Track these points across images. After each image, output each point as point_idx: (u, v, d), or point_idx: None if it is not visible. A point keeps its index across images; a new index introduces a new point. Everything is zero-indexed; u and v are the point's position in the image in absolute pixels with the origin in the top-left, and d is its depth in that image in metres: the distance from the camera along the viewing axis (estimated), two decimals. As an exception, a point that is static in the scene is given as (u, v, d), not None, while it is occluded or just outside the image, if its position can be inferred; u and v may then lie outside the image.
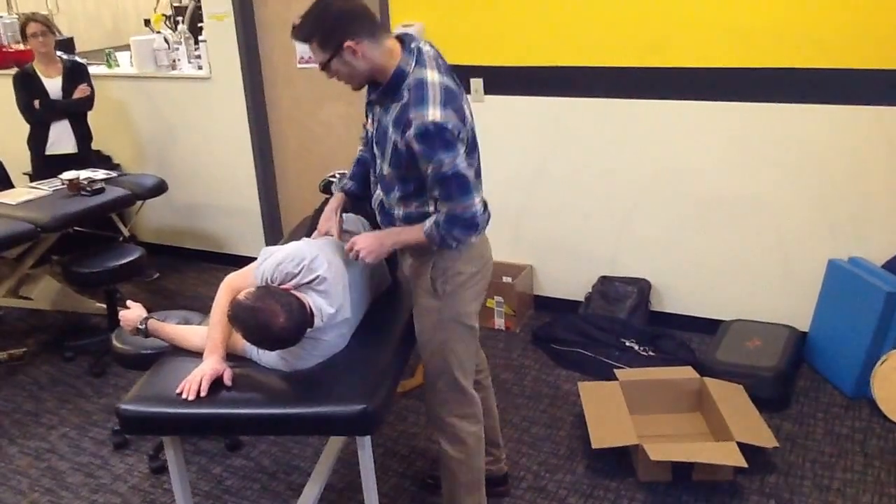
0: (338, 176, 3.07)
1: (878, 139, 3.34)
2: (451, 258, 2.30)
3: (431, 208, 2.24)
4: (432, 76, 2.13)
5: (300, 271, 2.27)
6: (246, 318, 2.13)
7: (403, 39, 2.19)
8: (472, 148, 2.22)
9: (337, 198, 2.56)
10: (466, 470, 2.49)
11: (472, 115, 2.25)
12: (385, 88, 2.16)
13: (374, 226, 2.74)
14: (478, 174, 2.27)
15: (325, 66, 2.14)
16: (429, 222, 2.22)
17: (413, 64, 2.14)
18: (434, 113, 2.06)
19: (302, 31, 2.12)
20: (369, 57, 2.11)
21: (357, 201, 2.63)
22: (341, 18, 2.07)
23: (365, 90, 2.26)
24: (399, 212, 2.31)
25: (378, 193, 2.37)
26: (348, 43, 2.06)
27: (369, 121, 2.33)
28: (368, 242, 2.29)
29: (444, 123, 2.06)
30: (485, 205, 2.24)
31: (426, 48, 2.21)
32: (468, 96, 2.43)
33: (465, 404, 2.45)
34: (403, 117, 2.10)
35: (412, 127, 2.07)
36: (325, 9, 2.09)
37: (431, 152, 2.07)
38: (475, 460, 2.50)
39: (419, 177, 2.18)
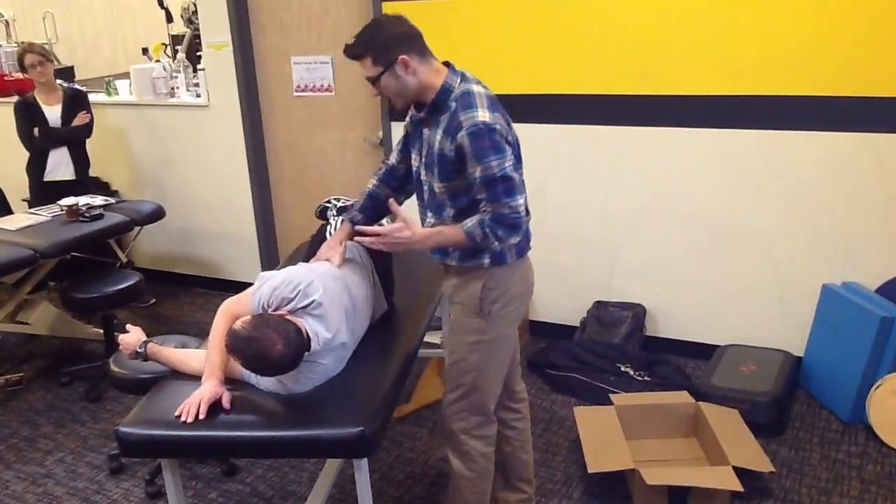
0: (333, 202, 3.09)
1: (871, 165, 3.38)
2: (502, 277, 2.34)
3: None
4: (478, 88, 2.24)
5: (296, 296, 2.28)
6: (244, 348, 2.13)
7: (449, 64, 2.29)
8: (518, 159, 2.27)
9: (344, 229, 2.59)
10: (474, 489, 2.52)
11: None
12: (434, 103, 2.24)
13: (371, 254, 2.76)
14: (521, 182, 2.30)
15: (375, 81, 2.22)
16: (471, 221, 2.22)
17: (459, 81, 2.25)
18: (483, 114, 2.15)
19: (357, 48, 2.19)
20: (419, 73, 2.21)
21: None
22: (397, 34, 2.19)
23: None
24: None
25: (428, 219, 2.40)
26: (402, 57, 2.17)
27: (414, 155, 2.39)
28: (412, 233, 2.22)
29: (493, 124, 2.14)
30: (527, 210, 2.29)
31: (469, 74, 2.32)
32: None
33: (484, 426, 2.48)
34: (454, 122, 2.18)
35: (463, 128, 2.15)
36: (380, 26, 2.20)
37: (482, 152, 2.14)
38: (483, 481, 2.53)
39: (470, 189, 2.23)
